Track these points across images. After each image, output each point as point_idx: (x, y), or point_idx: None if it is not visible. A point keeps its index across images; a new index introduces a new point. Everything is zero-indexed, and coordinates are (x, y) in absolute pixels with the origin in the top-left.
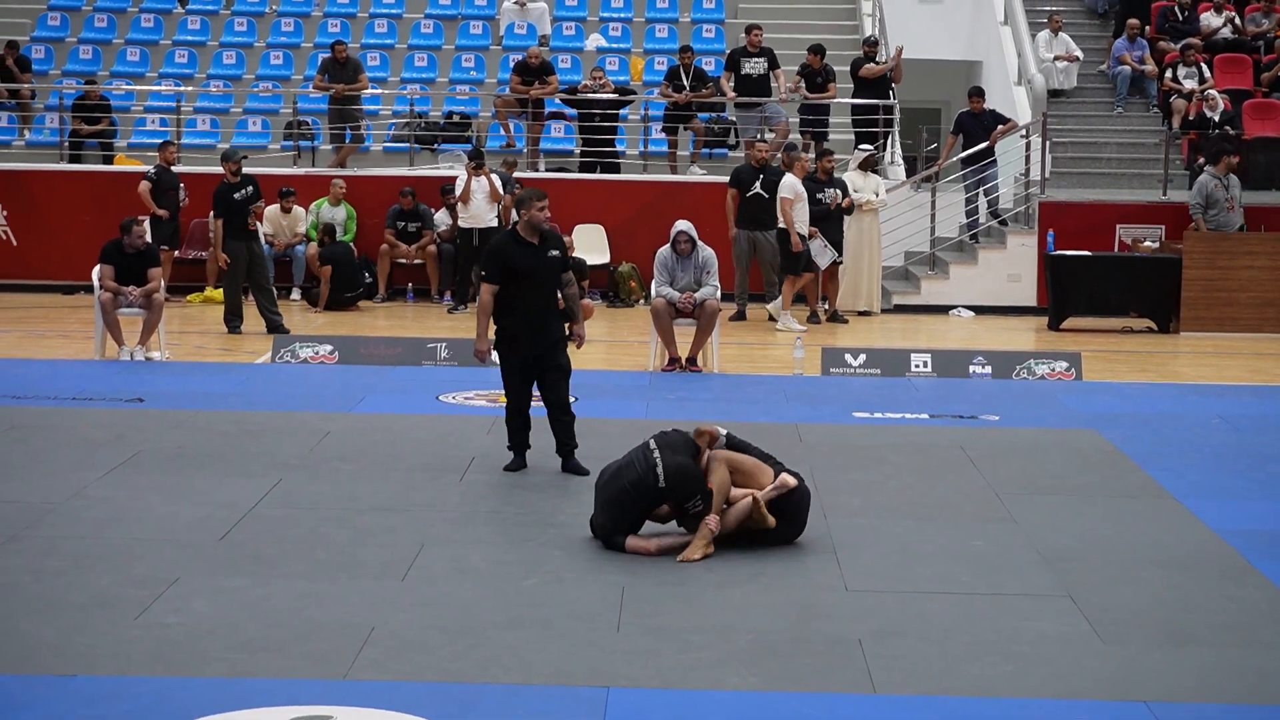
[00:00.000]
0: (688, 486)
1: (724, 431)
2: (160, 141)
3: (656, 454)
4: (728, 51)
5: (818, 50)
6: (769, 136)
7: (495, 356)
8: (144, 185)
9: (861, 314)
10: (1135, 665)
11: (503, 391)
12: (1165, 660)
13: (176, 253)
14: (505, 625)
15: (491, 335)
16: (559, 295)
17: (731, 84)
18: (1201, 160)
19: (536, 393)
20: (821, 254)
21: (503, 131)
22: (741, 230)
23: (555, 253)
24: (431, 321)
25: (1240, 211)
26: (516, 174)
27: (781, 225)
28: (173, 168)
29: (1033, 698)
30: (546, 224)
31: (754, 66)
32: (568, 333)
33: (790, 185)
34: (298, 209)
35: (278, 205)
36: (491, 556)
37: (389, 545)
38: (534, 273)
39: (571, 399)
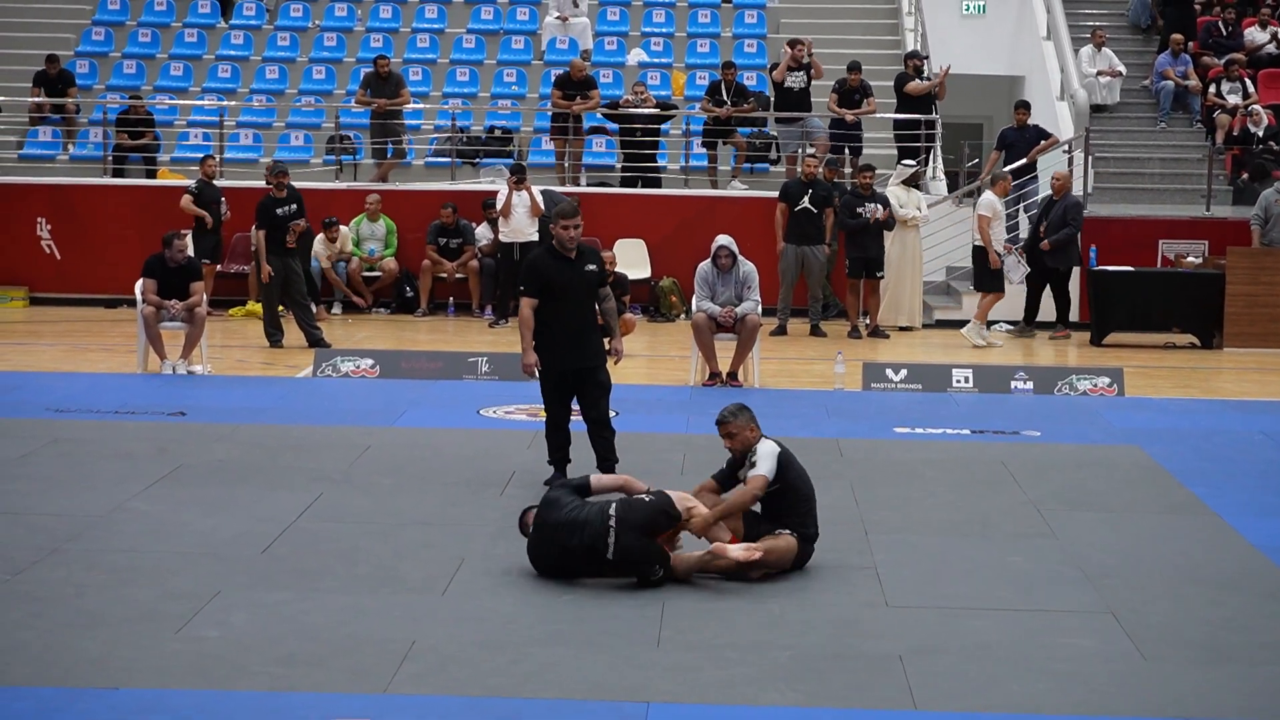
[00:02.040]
0: (639, 561)
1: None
2: (202, 156)
3: (613, 528)
4: (769, 66)
5: (854, 68)
6: (811, 151)
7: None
8: (186, 198)
9: (903, 329)
10: (1176, 683)
11: (543, 406)
12: (1206, 678)
13: (219, 266)
14: (545, 640)
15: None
16: (597, 310)
17: (773, 96)
18: (1245, 176)
19: (576, 406)
20: (1015, 269)
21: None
22: (790, 245)
23: (592, 267)
24: (473, 335)
25: None
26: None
27: (978, 242)
28: (214, 181)
29: (1073, 715)
30: (571, 242)
31: (795, 80)
32: (607, 348)
33: (989, 204)
34: (342, 229)
35: (322, 235)
36: (532, 571)
37: (429, 560)
38: (570, 287)
39: (612, 414)
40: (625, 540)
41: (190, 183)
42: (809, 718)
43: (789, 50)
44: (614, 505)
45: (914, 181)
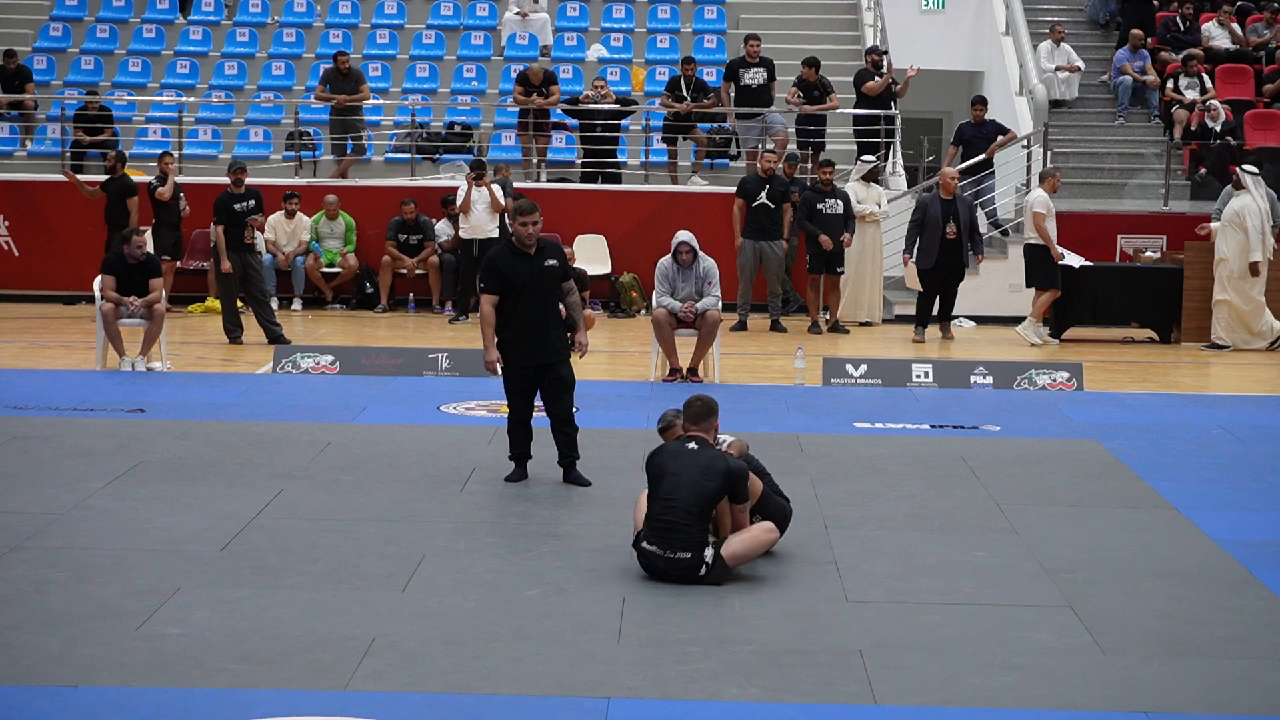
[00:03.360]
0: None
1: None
2: (160, 152)
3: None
4: (728, 61)
5: (812, 63)
6: (770, 146)
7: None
8: (162, 190)
9: (863, 324)
10: (1136, 676)
11: (504, 401)
12: (1166, 672)
13: (179, 263)
14: (506, 636)
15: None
16: (560, 305)
17: (731, 94)
18: (1203, 170)
19: (539, 402)
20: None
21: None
22: (748, 240)
23: (553, 262)
24: (433, 332)
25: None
26: (516, 185)
27: (1030, 240)
28: (171, 178)
29: (1034, 709)
30: (530, 239)
31: (753, 77)
32: (570, 342)
33: (1043, 201)
34: (301, 216)
35: (281, 211)
36: (493, 567)
37: (390, 556)
38: (530, 283)
39: (574, 409)
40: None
41: (150, 179)
42: (769, 713)
43: (746, 46)
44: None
45: (873, 177)
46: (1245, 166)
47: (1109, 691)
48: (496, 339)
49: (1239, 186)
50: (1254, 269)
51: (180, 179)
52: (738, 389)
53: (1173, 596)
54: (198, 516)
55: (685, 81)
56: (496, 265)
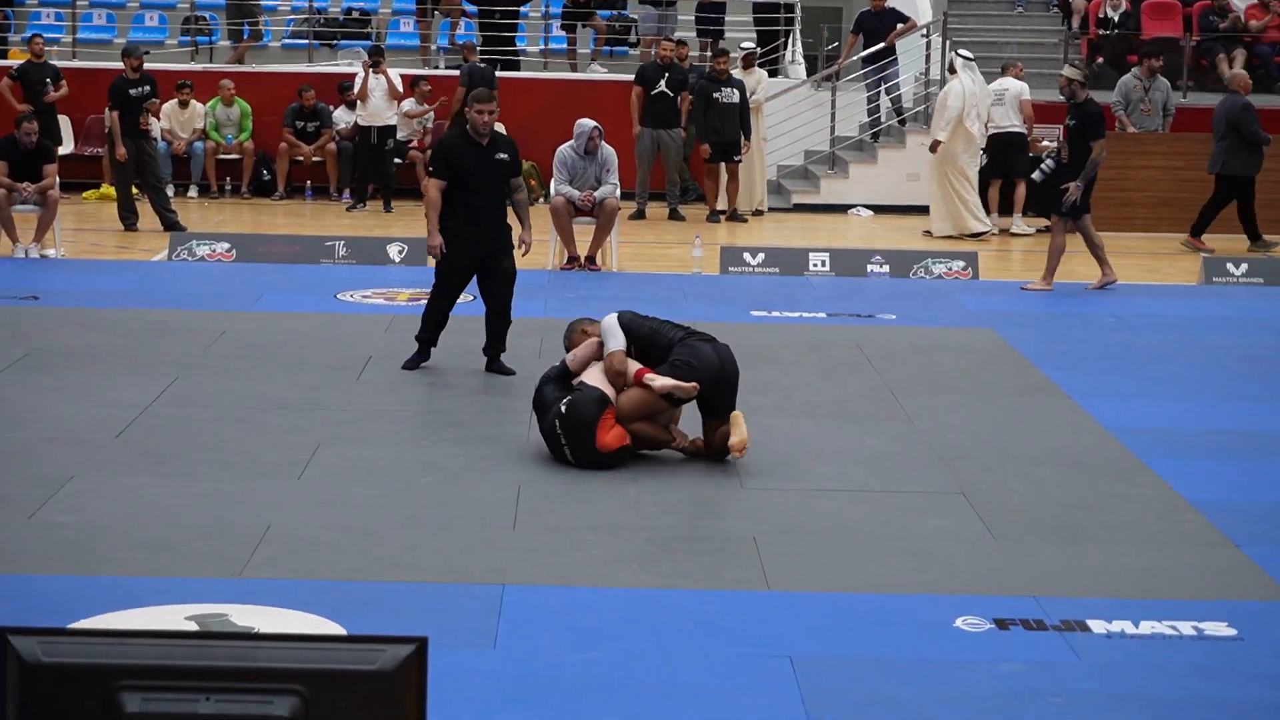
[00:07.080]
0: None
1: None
2: (31, 35)
3: (562, 440)
4: None
5: None
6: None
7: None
8: (5, 82)
9: (755, 214)
10: (1027, 562)
11: (402, 290)
12: (1056, 557)
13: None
14: (402, 524)
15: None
16: (507, 199)
17: None
18: (1100, 60)
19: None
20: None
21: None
22: (646, 129)
23: (503, 156)
24: (330, 220)
25: (1162, 117)
26: (412, 71)
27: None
28: (45, 61)
29: (926, 593)
30: (485, 127)
31: None
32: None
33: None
34: (195, 104)
35: (175, 100)
36: (388, 455)
37: (286, 444)
38: (478, 174)
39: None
40: (575, 445)
41: (14, 64)
42: (663, 598)
43: None
44: (558, 420)
45: (752, 63)
46: (960, 51)
47: (1000, 576)
48: (440, 226)
49: (952, 71)
50: (933, 147)
51: (75, 64)
52: (636, 277)
53: (1065, 484)
54: (92, 404)
55: None
56: (447, 151)
